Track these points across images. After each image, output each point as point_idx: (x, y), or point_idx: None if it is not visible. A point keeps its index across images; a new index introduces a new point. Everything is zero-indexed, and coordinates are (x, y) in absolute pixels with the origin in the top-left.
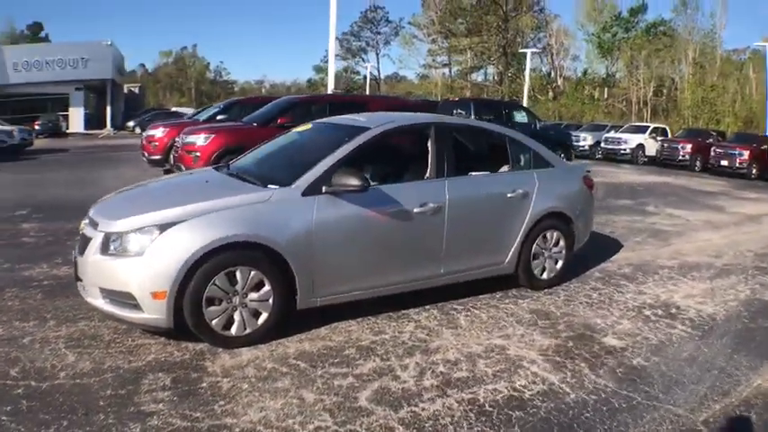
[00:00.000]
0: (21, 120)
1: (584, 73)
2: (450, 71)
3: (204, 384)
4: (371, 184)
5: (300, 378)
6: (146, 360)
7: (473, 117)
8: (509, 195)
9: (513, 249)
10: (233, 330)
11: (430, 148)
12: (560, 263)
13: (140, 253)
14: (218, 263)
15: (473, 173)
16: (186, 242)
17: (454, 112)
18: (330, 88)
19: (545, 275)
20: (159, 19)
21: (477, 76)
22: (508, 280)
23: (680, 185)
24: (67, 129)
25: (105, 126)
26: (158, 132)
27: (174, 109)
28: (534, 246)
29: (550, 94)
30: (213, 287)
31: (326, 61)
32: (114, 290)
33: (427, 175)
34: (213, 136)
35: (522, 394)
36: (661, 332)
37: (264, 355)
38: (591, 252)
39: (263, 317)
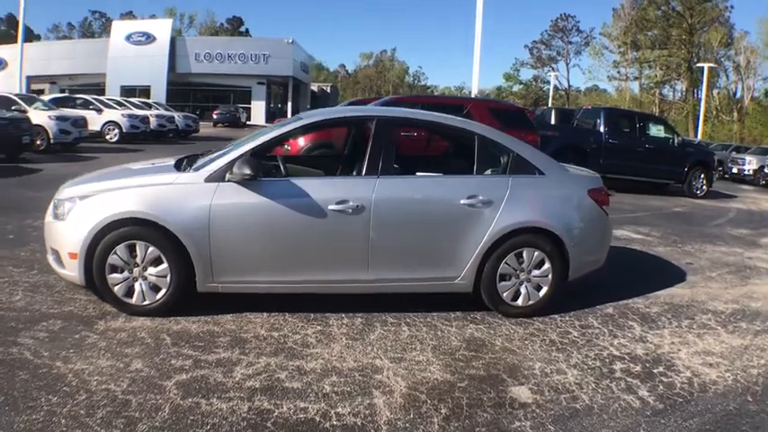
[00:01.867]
0: (202, 108)
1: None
2: (639, 84)
3: (77, 336)
4: (282, 176)
5: (150, 350)
6: (62, 309)
7: (602, 128)
8: (462, 202)
9: (469, 265)
10: (133, 299)
11: (369, 144)
12: (544, 290)
13: (65, 218)
14: (120, 235)
15: (420, 173)
16: (94, 213)
17: (578, 120)
18: (474, 92)
19: (520, 301)
20: (361, 22)
21: (667, 92)
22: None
23: None
24: (248, 120)
25: None
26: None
27: None
28: (502, 265)
29: (735, 114)
30: (114, 256)
31: (516, 70)
32: (53, 248)
33: (358, 171)
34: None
35: (323, 423)
36: (605, 395)
37: (149, 326)
38: (633, 281)
39: (162, 292)
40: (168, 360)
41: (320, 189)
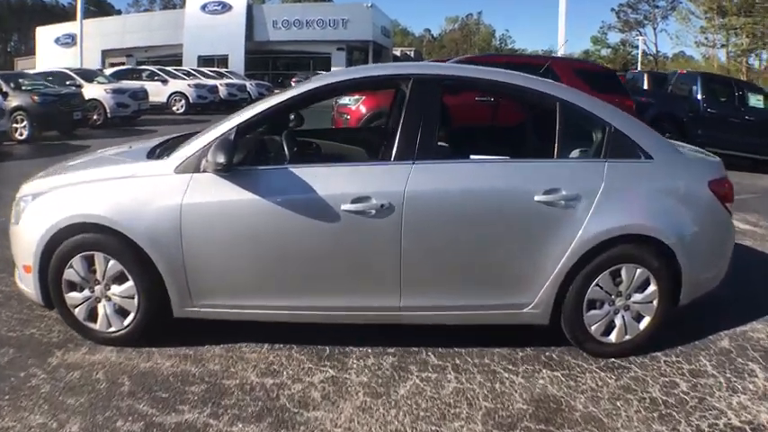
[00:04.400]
0: (282, 76)
1: None
2: (726, 52)
3: (21, 375)
4: (285, 164)
5: (99, 401)
6: (22, 332)
7: (699, 95)
8: (538, 199)
9: (545, 288)
10: (97, 324)
11: (401, 116)
12: (646, 320)
13: (17, 221)
14: (75, 244)
15: (476, 156)
16: (45, 215)
17: (672, 87)
18: (560, 52)
19: (613, 337)
20: None
21: (753, 62)
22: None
23: None
24: None
25: None
26: (352, 102)
27: None
28: (592, 287)
29: None
30: (71, 270)
31: (604, 33)
32: (14, 258)
33: (385, 155)
34: (363, 98)
35: None
36: None
37: (112, 361)
38: (749, 295)
39: (130, 317)
40: (113, 420)
41: (330, 181)
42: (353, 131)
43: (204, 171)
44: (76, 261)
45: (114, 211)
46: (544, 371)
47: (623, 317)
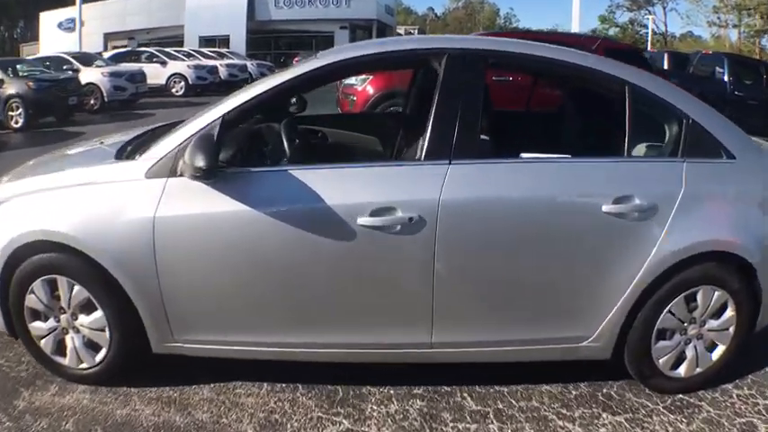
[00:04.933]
0: (285, 55)
1: None
2: (738, 32)
3: None
4: (283, 166)
5: None
6: None
7: (726, 77)
8: (607, 209)
9: (610, 317)
10: (66, 359)
11: (433, 101)
12: (720, 349)
13: None
14: (34, 265)
15: (527, 155)
16: (4, 230)
17: (694, 68)
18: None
19: (682, 370)
20: None
21: (766, 43)
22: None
23: None
24: None
25: None
26: (358, 82)
27: None
28: (664, 314)
29: None
30: (32, 296)
31: (612, 12)
32: None
33: (412, 153)
34: (371, 77)
35: None
36: None
37: (84, 405)
38: None
39: (102, 352)
40: None
41: (342, 187)
42: (365, 118)
43: (181, 175)
44: (38, 286)
45: (76, 227)
46: (604, 415)
47: (695, 347)
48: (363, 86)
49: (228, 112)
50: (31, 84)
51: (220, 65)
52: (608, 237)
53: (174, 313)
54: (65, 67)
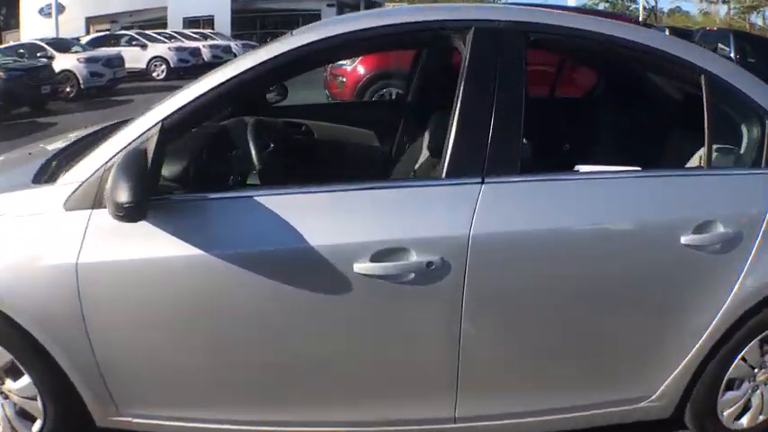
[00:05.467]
0: (269, 35)
1: None
2: (728, 8)
3: None
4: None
5: None
6: None
7: (732, 54)
8: (686, 240)
9: (677, 373)
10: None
11: (458, 94)
12: None
13: None
14: None
15: (583, 167)
16: None
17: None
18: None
19: (745, 420)
20: None
21: (755, 20)
22: None
23: None
24: None
25: None
26: (347, 62)
27: None
28: (737, 363)
29: None
30: None
31: None
32: None
33: (429, 166)
34: (360, 58)
35: None
36: None
37: None
38: None
39: (38, 425)
40: None
41: (333, 219)
42: (357, 107)
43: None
44: None
45: None
46: None
47: (762, 394)
48: (354, 66)
49: (168, 117)
50: (1, 73)
51: (203, 46)
52: (684, 276)
53: (115, 383)
54: (39, 55)
